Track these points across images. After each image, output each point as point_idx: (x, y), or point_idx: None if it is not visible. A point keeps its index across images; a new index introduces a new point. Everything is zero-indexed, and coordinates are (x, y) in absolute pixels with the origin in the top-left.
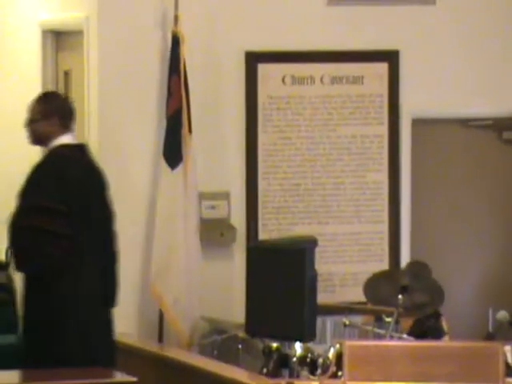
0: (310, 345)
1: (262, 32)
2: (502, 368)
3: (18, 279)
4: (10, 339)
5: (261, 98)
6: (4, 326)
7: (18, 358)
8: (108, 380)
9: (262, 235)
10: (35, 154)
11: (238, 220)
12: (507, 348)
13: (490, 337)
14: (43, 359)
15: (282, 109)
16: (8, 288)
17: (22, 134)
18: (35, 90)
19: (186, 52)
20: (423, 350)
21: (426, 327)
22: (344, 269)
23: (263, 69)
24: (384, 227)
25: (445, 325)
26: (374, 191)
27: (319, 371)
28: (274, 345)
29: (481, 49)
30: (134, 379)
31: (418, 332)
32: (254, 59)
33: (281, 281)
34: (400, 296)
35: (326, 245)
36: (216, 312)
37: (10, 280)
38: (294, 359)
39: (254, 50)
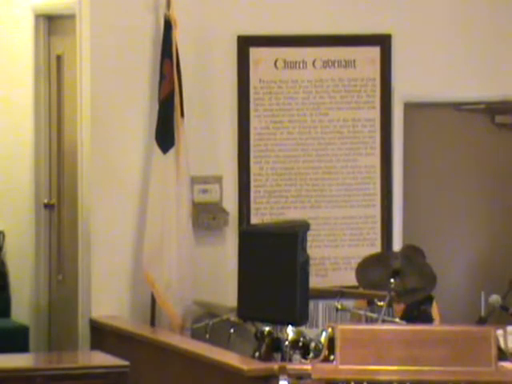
0: (302, 329)
1: (254, 16)
2: (494, 352)
3: (10, 263)
4: (1, 323)
5: (253, 82)
6: None
7: (11, 342)
8: (100, 364)
9: (254, 219)
10: (26, 136)
11: (230, 204)
12: (499, 332)
13: (482, 321)
14: None
15: (274, 93)
16: (0, 272)
17: (15, 118)
18: (27, 74)
19: (178, 36)
20: (415, 334)
21: (418, 312)
22: (336, 253)
23: (255, 53)
24: (376, 211)
25: (436, 310)
26: (366, 175)
27: (311, 355)
28: (266, 329)
29: (474, 33)
30: (126, 363)
31: (411, 316)
32: (246, 43)
33: (273, 265)
34: (392, 280)
35: (318, 229)
36: (208, 296)
37: (2, 264)
38: (286, 343)
39: (246, 33)
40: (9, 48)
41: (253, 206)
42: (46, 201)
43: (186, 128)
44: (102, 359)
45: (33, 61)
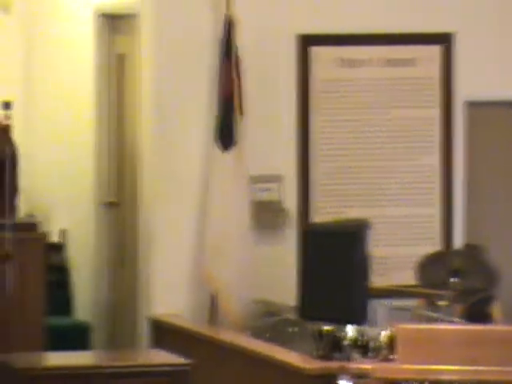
0: (362, 328)
1: (315, 15)
2: None
3: (73, 261)
4: (63, 321)
5: (313, 81)
6: (58, 307)
7: (73, 339)
8: (161, 362)
9: (314, 218)
10: (88, 135)
11: (290, 203)
12: None
13: None
14: None
15: (334, 91)
16: (63, 269)
17: (77, 117)
18: (89, 73)
19: (239, 35)
20: (475, 333)
21: (478, 311)
22: (396, 252)
23: (316, 52)
24: (436, 210)
25: (497, 310)
26: (426, 174)
27: (371, 354)
28: (326, 327)
29: None
30: (188, 361)
31: (471, 316)
32: (306, 42)
33: (333, 263)
34: (452, 279)
35: (379, 228)
36: (268, 294)
37: (64, 261)
38: (346, 342)
39: (307, 32)
40: (71, 48)
41: (313, 205)
42: (107, 199)
43: (246, 127)
44: (162, 357)
45: (95, 60)
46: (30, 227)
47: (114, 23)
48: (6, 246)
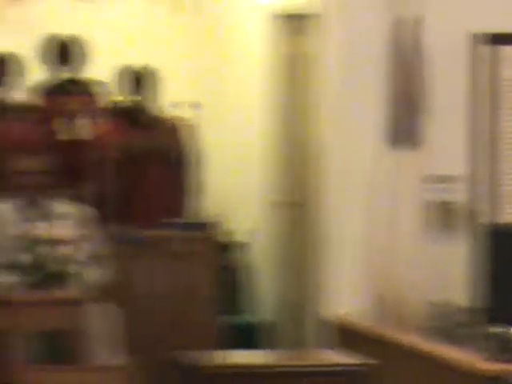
0: None
1: (499, 13)
2: None
3: (256, 261)
4: (243, 320)
5: (497, 80)
6: (242, 307)
7: (253, 338)
8: (340, 362)
9: (497, 219)
10: (267, 136)
11: (468, 203)
12: None
13: None
14: None
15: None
16: (247, 269)
17: (253, 117)
18: (264, 73)
19: (420, 34)
20: None
21: None
22: None
23: (498, 51)
24: None
25: None
26: None
27: None
28: (500, 329)
29: None
30: (367, 362)
31: None
32: (490, 41)
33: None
34: None
35: None
36: (440, 295)
37: (231, 262)
38: None
39: (492, 31)
40: (245, 48)
41: (495, 205)
42: (288, 199)
43: (423, 126)
44: (340, 357)
45: (266, 60)
46: (204, 226)
47: (296, 23)
48: (176, 245)
